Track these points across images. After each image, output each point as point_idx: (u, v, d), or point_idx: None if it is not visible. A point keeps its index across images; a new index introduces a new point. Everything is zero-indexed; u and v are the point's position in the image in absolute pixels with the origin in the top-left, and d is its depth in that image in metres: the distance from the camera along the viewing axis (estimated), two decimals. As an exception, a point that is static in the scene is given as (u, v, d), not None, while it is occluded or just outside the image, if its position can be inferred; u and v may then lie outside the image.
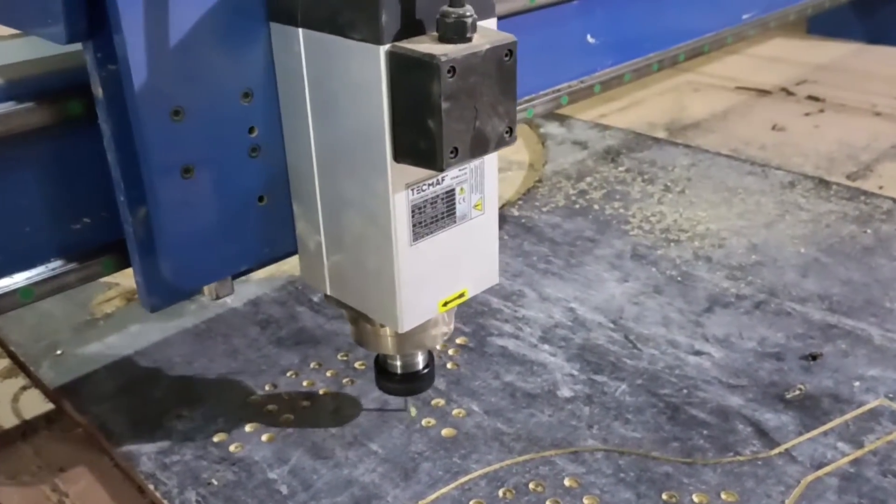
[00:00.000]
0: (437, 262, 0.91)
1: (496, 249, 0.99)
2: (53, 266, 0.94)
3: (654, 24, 1.60)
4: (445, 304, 0.95)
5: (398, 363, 1.06)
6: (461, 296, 0.97)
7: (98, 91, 0.85)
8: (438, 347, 1.19)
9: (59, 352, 1.29)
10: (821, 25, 2.84)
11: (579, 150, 2.01)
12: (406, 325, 0.92)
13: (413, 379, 1.07)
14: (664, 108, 2.30)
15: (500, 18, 1.22)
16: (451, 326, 1.05)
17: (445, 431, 1.10)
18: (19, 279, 0.92)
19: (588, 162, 1.94)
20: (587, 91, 1.47)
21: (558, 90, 1.42)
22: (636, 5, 1.52)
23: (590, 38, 1.45)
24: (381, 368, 1.07)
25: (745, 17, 1.85)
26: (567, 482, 1.01)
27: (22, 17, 0.87)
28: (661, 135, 2.10)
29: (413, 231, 0.87)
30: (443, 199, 0.89)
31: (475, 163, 0.90)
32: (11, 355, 1.31)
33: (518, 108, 1.36)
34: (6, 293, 0.90)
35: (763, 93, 2.40)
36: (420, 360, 1.06)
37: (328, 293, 0.99)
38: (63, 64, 0.90)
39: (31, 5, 0.83)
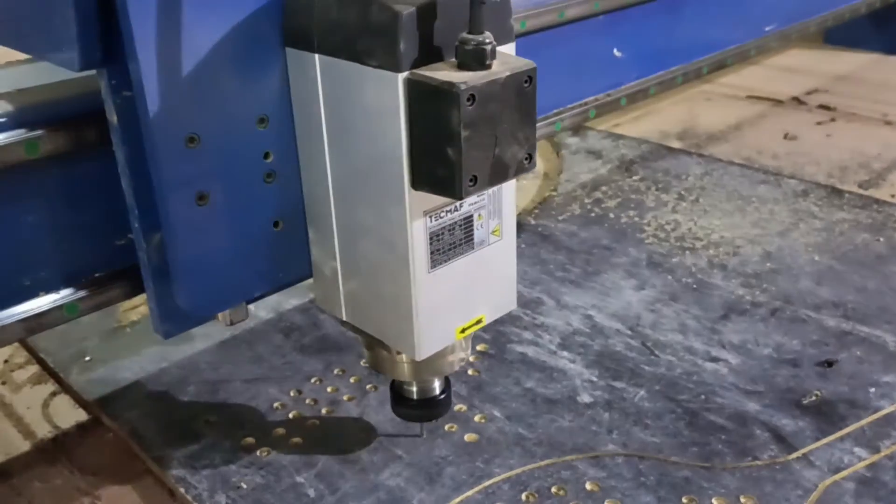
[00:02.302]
0: (455, 289, 0.90)
1: (514, 275, 0.97)
2: (98, 281, 0.95)
3: (679, 37, 1.62)
4: (463, 330, 0.94)
5: (414, 389, 1.04)
6: (478, 322, 0.95)
7: (113, 118, 0.84)
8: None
9: (87, 358, 1.32)
10: (838, 36, 2.84)
11: (594, 160, 2.04)
12: (423, 353, 0.90)
13: (429, 405, 1.05)
14: (677, 118, 2.32)
15: (530, 33, 1.25)
16: (469, 352, 1.04)
17: (468, 436, 1.12)
18: (65, 294, 0.93)
19: (602, 171, 1.97)
20: (614, 104, 1.48)
21: (585, 104, 1.44)
22: (661, 19, 1.54)
23: (616, 52, 1.47)
24: (397, 394, 1.06)
25: (767, 29, 1.87)
26: (588, 486, 1.03)
27: (34, 43, 0.87)
28: (675, 144, 2.13)
29: (431, 258, 0.86)
30: (461, 225, 0.88)
31: (493, 188, 0.88)
32: (41, 362, 1.34)
33: (546, 121, 1.38)
34: (52, 308, 0.91)
35: (775, 102, 2.42)
36: (437, 386, 1.05)
37: (344, 319, 0.98)
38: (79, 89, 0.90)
39: (45, 31, 0.83)
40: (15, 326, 0.90)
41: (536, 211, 1.77)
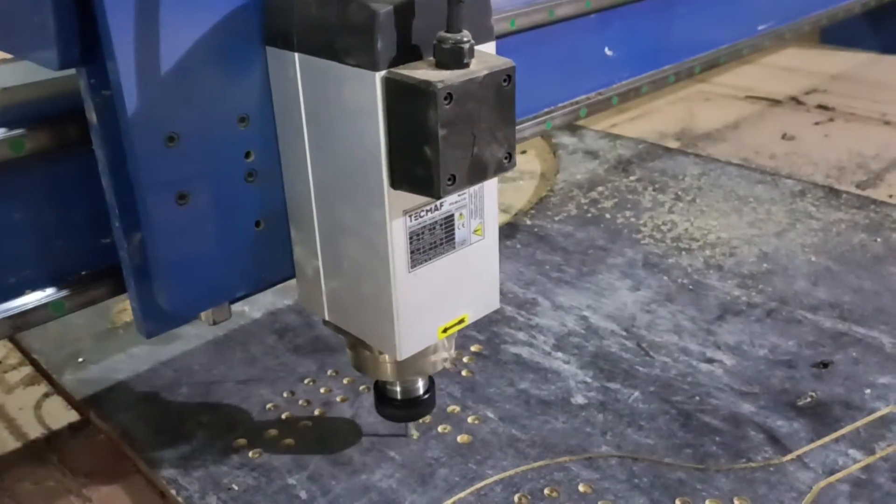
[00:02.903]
0: (436, 289, 0.90)
1: (497, 274, 0.97)
2: (84, 279, 0.95)
3: (671, 36, 1.62)
4: (445, 330, 0.94)
5: (398, 389, 1.04)
6: (461, 322, 0.95)
7: (92, 117, 0.84)
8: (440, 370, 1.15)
9: (80, 360, 1.32)
10: (834, 35, 2.85)
11: (591, 160, 2.03)
12: (405, 353, 0.91)
13: (413, 405, 1.05)
14: (674, 118, 2.32)
15: (520, 32, 1.25)
16: (452, 351, 1.03)
17: (461, 438, 1.11)
18: (50, 293, 0.93)
19: (599, 171, 1.96)
20: (605, 103, 1.48)
21: (577, 102, 1.44)
22: (653, 18, 1.54)
23: (607, 51, 1.47)
24: (381, 394, 1.06)
25: (760, 28, 1.87)
26: (581, 488, 1.03)
27: (14, 42, 0.86)
28: (672, 144, 2.12)
29: (411, 258, 0.86)
30: (441, 225, 0.88)
31: (475, 188, 0.89)
32: (34, 363, 1.34)
33: (537, 120, 1.38)
34: (38, 307, 0.91)
35: (773, 102, 2.42)
36: (420, 386, 1.05)
37: (326, 319, 0.98)
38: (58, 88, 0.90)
39: (24, 30, 0.82)
40: (1, 324, 0.90)
41: (532, 211, 1.77)
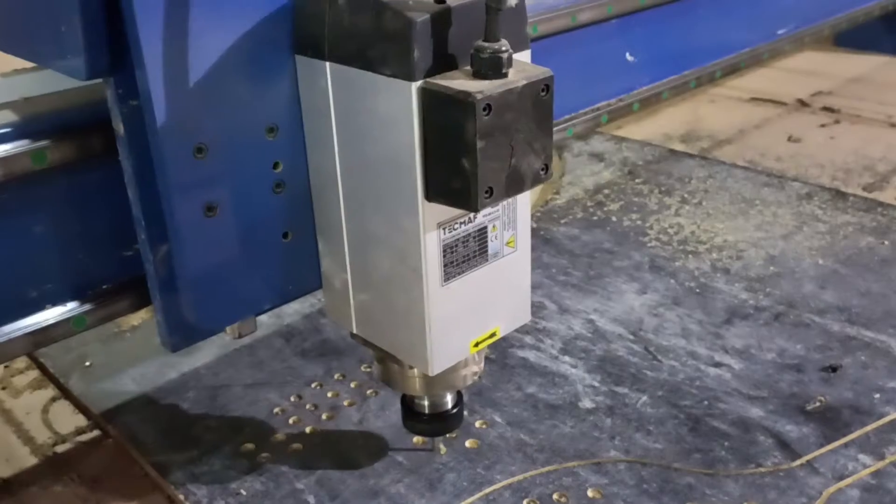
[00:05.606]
0: (469, 302, 0.88)
1: (528, 286, 0.95)
2: (105, 293, 0.94)
3: (692, 41, 1.61)
4: (476, 344, 0.92)
5: (426, 403, 1.03)
6: (492, 335, 0.94)
7: (119, 127, 0.82)
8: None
9: (87, 363, 1.32)
10: (848, 38, 2.82)
11: (597, 163, 2.03)
12: (437, 368, 0.89)
13: (441, 419, 1.03)
14: (681, 120, 2.32)
15: (542, 38, 1.24)
16: (482, 365, 1.01)
17: (469, 442, 1.11)
18: (72, 307, 0.92)
19: (605, 174, 1.96)
20: (626, 109, 1.47)
21: (598, 109, 1.43)
22: (674, 23, 1.53)
23: (629, 56, 1.46)
24: (408, 408, 1.04)
25: (780, 32, 1.86)
26: (590, 493, 1.03)
27: (40, 51, 0.84)
28: (678, 147, 2.12)
29: (444, 271, 0.84)
30: (475, 237, 0.86)
31: (508, 199, 0.86)
32: (41, 367, 1.34)
33: (558, 126, 1.37)
34: (59, 322, 0.90)
35: (779, 104, 2.41)
36: (449, 400, 1.03)
37: (354, 332, 0.97)
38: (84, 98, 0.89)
39: (50, 38, 0.81)
40: (22, 340, 0.89)
41: (538, 215, 1.76)
